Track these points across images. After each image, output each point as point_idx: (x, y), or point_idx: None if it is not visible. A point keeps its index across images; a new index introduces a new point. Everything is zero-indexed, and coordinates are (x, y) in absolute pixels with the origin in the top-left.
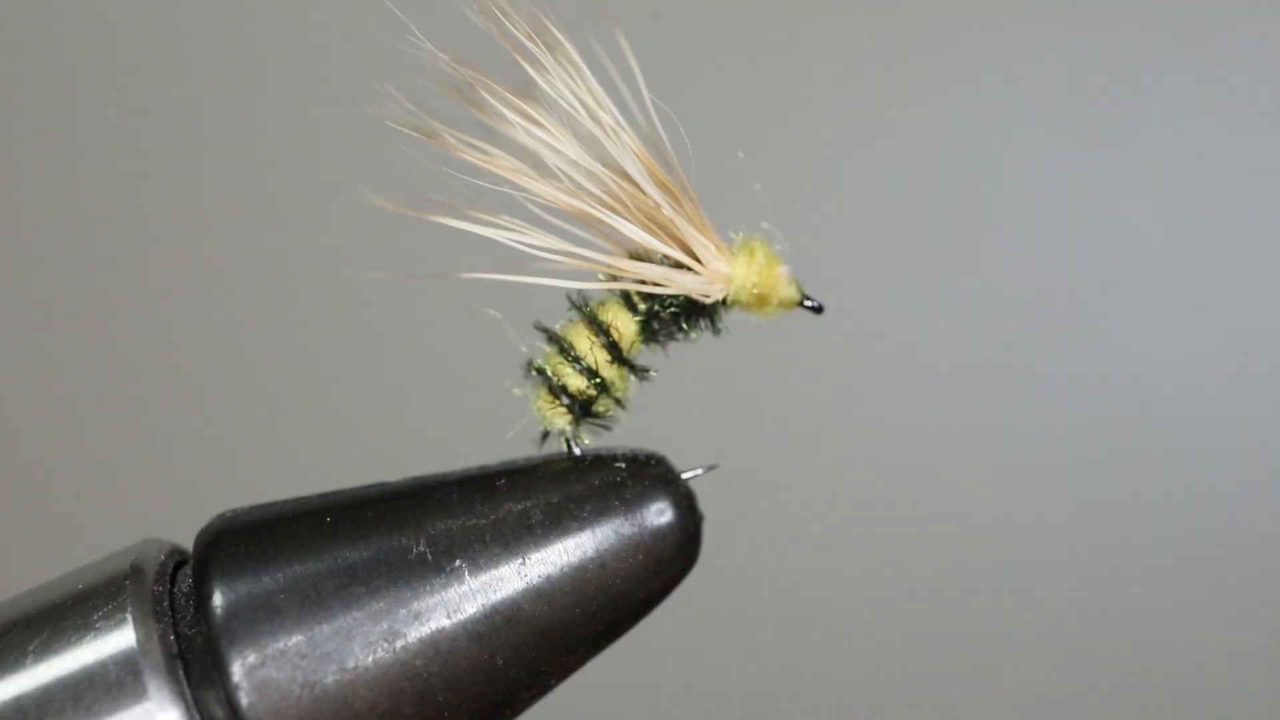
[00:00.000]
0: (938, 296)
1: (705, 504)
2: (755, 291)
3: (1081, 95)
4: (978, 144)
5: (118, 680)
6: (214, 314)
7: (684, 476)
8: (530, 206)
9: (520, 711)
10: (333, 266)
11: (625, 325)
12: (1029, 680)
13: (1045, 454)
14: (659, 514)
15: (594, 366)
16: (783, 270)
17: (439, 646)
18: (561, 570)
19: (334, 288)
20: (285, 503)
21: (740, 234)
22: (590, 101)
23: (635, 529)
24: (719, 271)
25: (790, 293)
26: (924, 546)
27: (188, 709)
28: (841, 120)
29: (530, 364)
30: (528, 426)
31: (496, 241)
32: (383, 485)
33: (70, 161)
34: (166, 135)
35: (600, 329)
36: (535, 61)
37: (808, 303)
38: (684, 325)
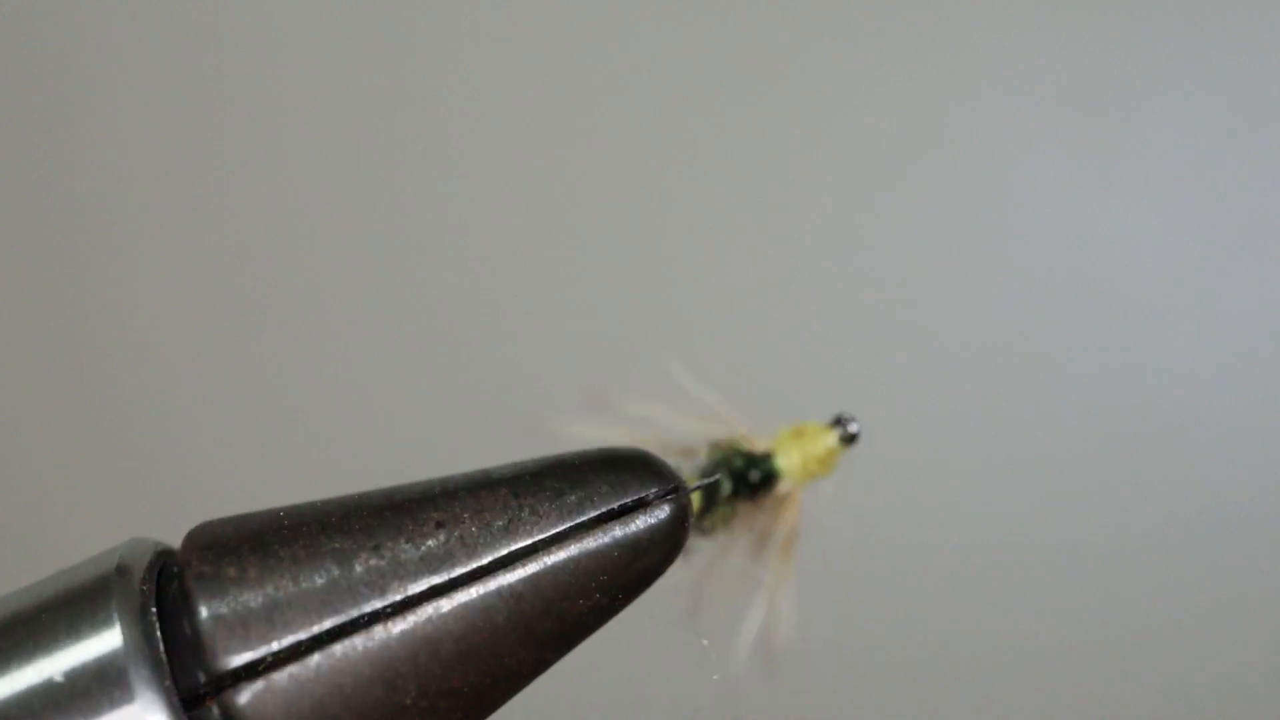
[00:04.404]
0: (934, 298)
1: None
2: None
3: (1080, 95)
4: (976, 144)
5: (104, 681)
6: (203, 314)
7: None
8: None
9: (519, 688)
10: (327, 266)
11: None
12: (1028, 680)
13: (1043, 454)
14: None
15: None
16: (827, 440)
17: (439, 631)
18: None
19: (326, 289)
20: (278, 509)
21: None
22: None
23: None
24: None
25: (831, 444)
26: (921, 548)
27: (175, 712)
28: (838, 119)
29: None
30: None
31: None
32: (381, 489)
33: (67, 160)
34: (161, 135)
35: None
36: None
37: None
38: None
